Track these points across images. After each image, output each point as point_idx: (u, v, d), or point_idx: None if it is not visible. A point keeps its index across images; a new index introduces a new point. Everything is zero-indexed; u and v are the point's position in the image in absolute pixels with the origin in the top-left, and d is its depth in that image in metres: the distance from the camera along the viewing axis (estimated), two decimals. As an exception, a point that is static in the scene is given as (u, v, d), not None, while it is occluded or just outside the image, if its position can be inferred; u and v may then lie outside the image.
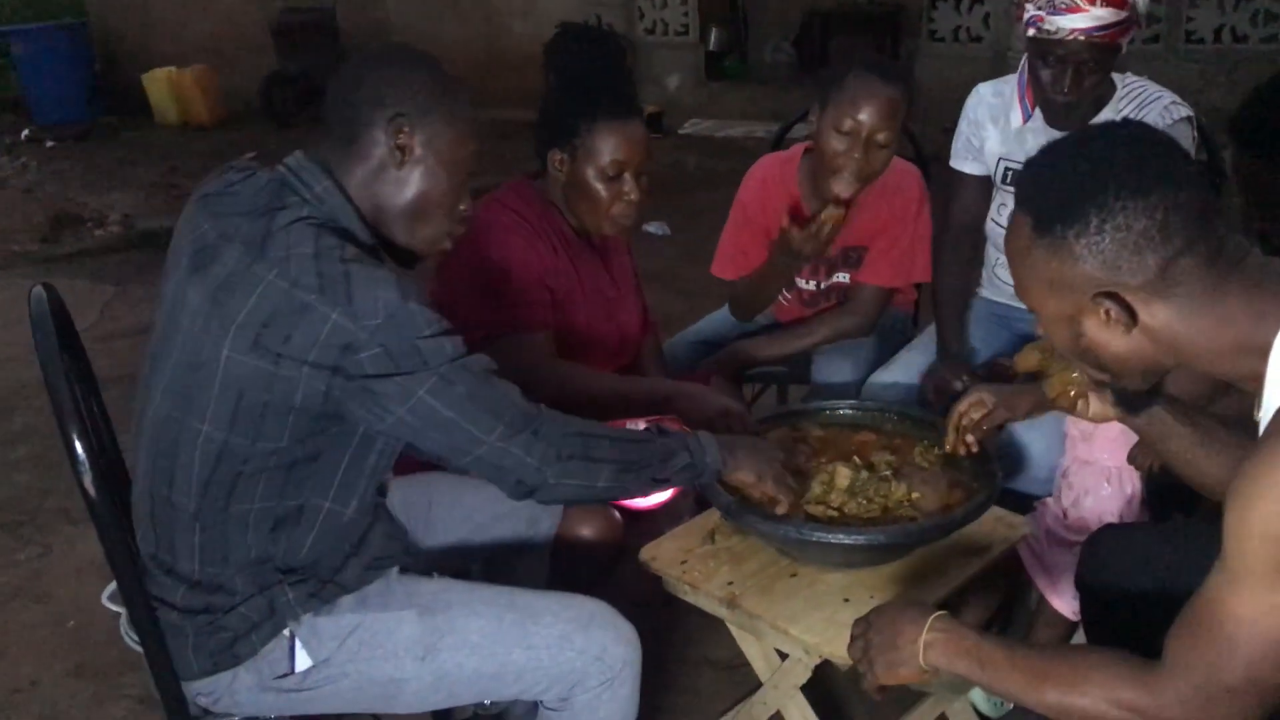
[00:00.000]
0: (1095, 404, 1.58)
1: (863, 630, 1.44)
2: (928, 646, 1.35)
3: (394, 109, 1.50)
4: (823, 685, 2.11)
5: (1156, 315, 1.17)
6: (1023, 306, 2.47)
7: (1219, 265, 1.15)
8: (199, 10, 9.47)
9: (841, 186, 2.34)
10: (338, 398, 1.43)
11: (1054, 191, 1.19)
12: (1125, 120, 1.37)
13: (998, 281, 2.56)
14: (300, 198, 1.48)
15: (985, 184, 2.49)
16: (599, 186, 2.11)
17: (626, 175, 2.11)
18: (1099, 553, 1.76)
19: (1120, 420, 1.56)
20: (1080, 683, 1.22)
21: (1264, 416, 1.12)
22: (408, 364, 1.41)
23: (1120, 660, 1.21)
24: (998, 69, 6.52)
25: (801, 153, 2.57)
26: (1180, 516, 1.96)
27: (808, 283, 2.62)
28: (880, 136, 2.31)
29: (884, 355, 2.55)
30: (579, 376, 2.13)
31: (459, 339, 1.47)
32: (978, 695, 2.18)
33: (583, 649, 1.57)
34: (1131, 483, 2.08)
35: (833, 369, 2.48)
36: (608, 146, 2.09)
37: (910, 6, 8.08)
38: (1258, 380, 1.14)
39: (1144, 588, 1.64)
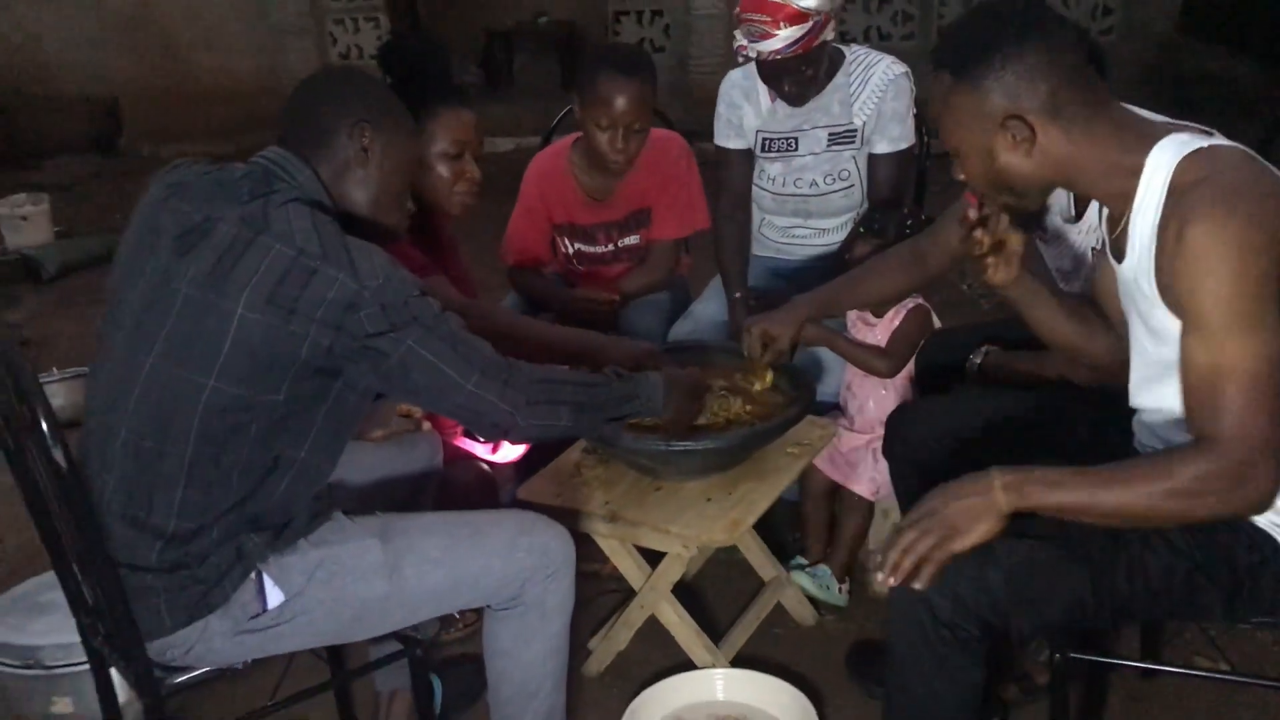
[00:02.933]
0: (1001, 270, 1.85)
1: (929, 510, 1.56)
2: (1005, 489, 1.53)
3: (356, 116, 1.72)
4: (685, 594, 2.40)
5: (1050, 135, 1.56)
6: (786, 256, 2.90)
7: (1093, 100, 1.56)
8: None
9: (617, 168, 2.72)
10: (338, 353, 1.60)
11: (965, 47, 1.59)
12: None
13: (764, 239, 2.97)
14: (286, 183, 1.67)
15: (748, 156, 2.88)
16: (442, 169, 2.32)
17: (467, 155, 2.33)
18: (899, 426, 2.17)
19: (1004, 288, 1.88)
20: (1175, 495, 1.46)
21: (1135, 217, 1.53)
22: (400, 319, 1.61)
23: (1174, 452, 1.51)
24: (680, 75, 7.14)
25: (571, 143, 2.89)
26: (954, 388, 2.39)
27: (599, 247, 2.93)
28: (635, 124, 2.67)
29: (677, 310, 2.89)
30: (516, 323, 2.34)
31: (436, 300, 1.69)
32: (807, 581, 2.55)
33: (529, 549, 1.79)
34: (903, 383, 2.52)
35: (641, 321, 2.80)
36: (449, 130, 2.30)
37: (585, 23, 8.57)
38: (1126, 198, 1.54)
39: (939, 444, 2.05)
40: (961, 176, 1.70)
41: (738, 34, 2.60)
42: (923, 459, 2.07)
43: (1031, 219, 2.07)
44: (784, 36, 2.52)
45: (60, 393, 3.81)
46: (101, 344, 1.73)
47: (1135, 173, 1.54)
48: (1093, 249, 1.93)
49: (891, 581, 1.57)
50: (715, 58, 6.87)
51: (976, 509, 1.54)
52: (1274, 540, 1.60)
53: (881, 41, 7.21)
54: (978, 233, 1.83)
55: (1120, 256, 1.62)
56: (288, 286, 1.57)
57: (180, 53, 7.90)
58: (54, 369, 3.93)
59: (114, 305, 1.72)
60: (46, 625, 2.24)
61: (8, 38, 8.27)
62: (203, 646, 1.69)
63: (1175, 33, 7.47)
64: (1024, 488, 1.53)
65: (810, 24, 2.52)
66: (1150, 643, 2.27)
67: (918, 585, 1.55)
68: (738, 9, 2.59)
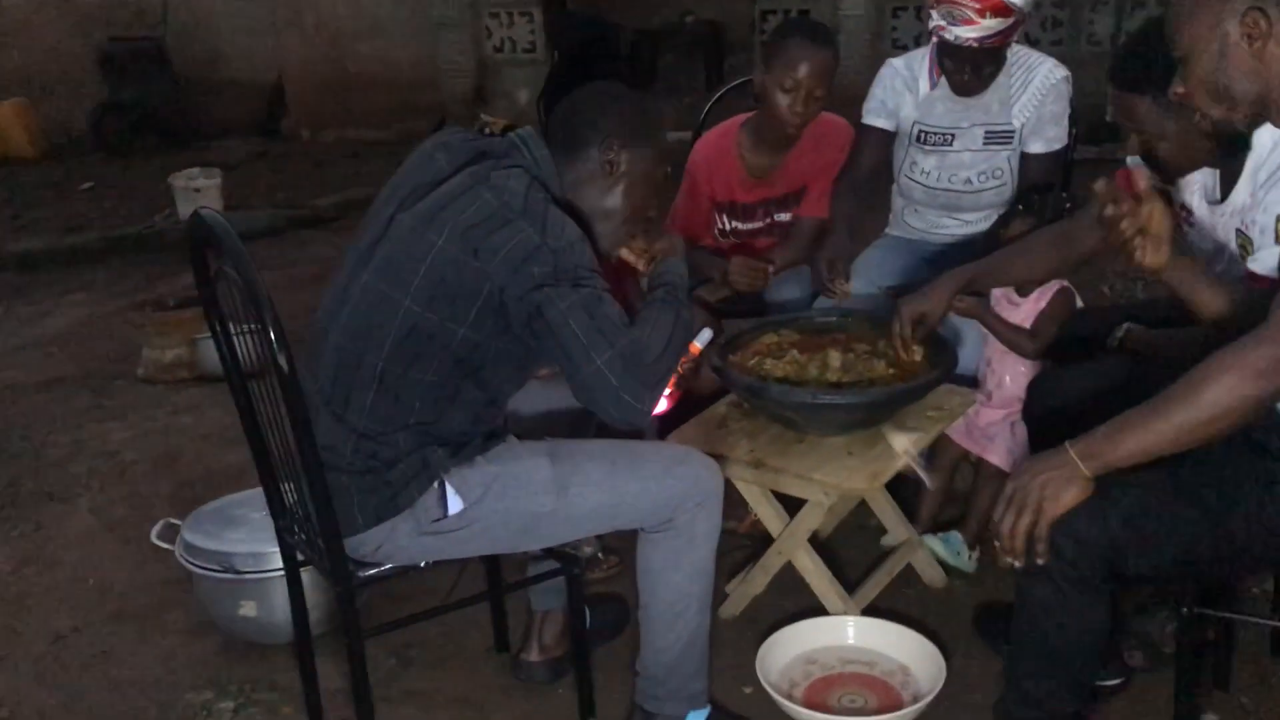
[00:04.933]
0: (1151, 254, 1.87)
1: (1014, 490, 1.68)
2: (1081, 456, 1.64)
3: (610, 132, 1.92)
4: (818, 551, 2.52)
5: None
6: (921, 240, 2.97)
7: None
8: (12, 44, 9.21)
9: (791, 131, 2.84)
10: (508, 296, 1.79)
11: None
12: None
13: (906, 225, 3.07)
14: (525, 156, 1.90)
15: (888, 137, 2.98)
16: None
17: None
18: (1041, 392, 2.26)
19: (1156, 272, 1.92)
20: (1209, 378, 1.53)
21: None
22: (566, 280, 1.79)
23: (1226, 349, 1.54)
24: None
25: (739, 124, 3.02)
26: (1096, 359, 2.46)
27: (755, 223, 3.07)
28: (817, 90, 2.79)
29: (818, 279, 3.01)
30: None
31: (605, 283, 1.86)
32: (939, 545, 2.64)
33: (681, 477, 1.95)
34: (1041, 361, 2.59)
35: (785, 291, 2.93)
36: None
37: (730, 23, 8.71)
38: None
39: (1080, 411, 2.13)
40: (1180, 90, 1.74)
41: (935, 14, 2.68)
42: (1063, 424, 2.15)
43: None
44: (985, 26, 2.61)
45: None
46: (337, 268, 1.98)
47: None
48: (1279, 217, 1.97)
49: (1018, 564, 1.69)
50: (860, 59, 6.93)
51: (1060, 479, 1.65)
52: None
53: (1030, 45, 7.16)
54: (1123, 223, 1.87)
55: None
56: (482, 229, 1.78)
57: (342, 41, 8.30)
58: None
59: (359, 234, 1.96)
60: (239, 535, 2.49)
61: (183, 23, 8.81)
62: (390, 545, 1.90)
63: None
64: (1094, 448, 1.63)
65: (1012, 20, 2.62)
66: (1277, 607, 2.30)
67: (1039, 561, 1.67)
68: None
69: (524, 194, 1.81)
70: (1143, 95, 2.02)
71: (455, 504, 1.87)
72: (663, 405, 2.64)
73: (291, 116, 8.70)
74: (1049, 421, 2.20)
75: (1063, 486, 1.65)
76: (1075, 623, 1.76)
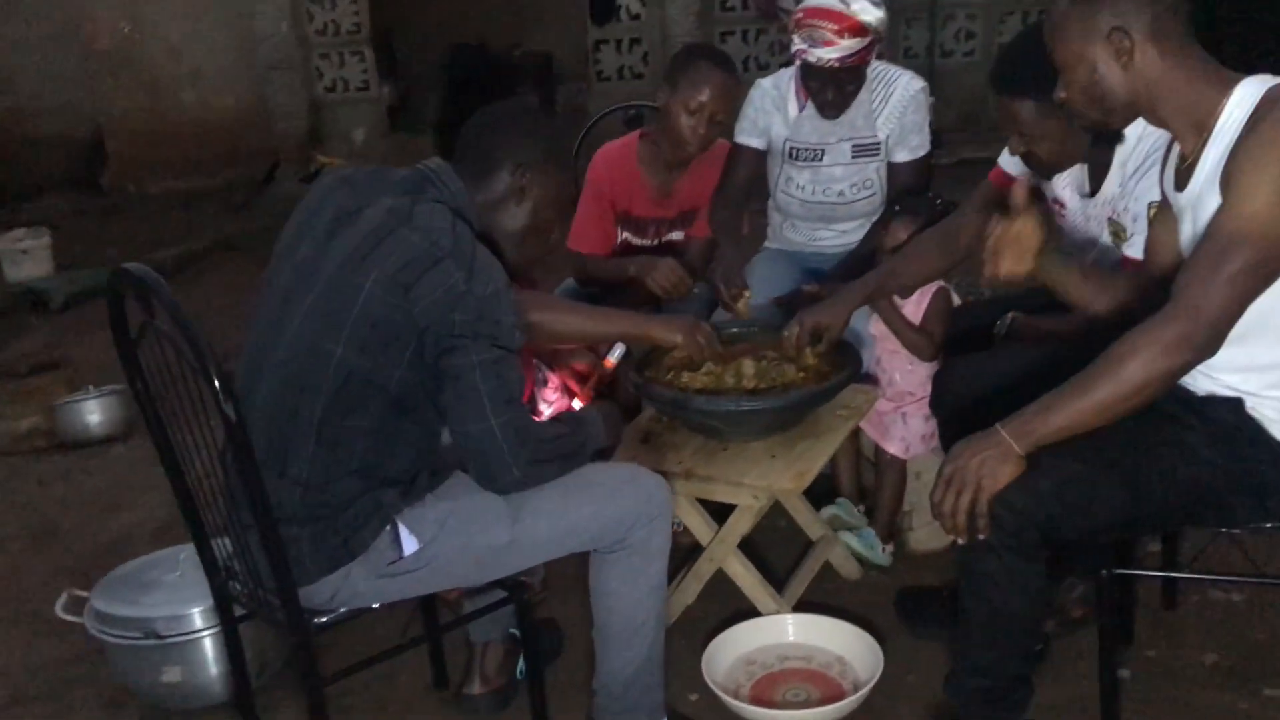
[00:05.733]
0: (1010, 264, 2.07)
1: (953, 471, 1.79)
2: (1012, 435, 1.76)
3: (522, 157, 1.92)
4: (755, 550, 2.60)
5: (1147, 54, 1.77)
6: (800, 250, 3.11)
7: (1187, 37, 1.78)
8: None
9: (690, 151, 2.92)
10: (429, 340, 1.78)
11: None
12: None
13: (784, 237, 3.20)
14: (439, 189, 1.88)
15: (760, 156, 3.10)
16: None
17: None
18: (945, 383, 2.40)
19: (1029, 277, 2.10)
20: (1126, 355, 1.68)
21: (1214, 141, 1.74)
22: (485, 335, 1.78)
23: (1139, 328, 1.69)
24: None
25: (638, 139, 3.09)
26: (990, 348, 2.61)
27: (647, 240, 3.14)
28: (719, 115, 2.88)
29: (713, 300, 3.10)
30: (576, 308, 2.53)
31: (522, 337, 1.87)
32: (855, 541, 2.75)
33: (632, 495, 1.98)
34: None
35: (682, 308, 2.97)
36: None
37: (562, 53, 8.81)
38: (1202, 128, 1.76)
39: (983, 397, 2.27)
40: (1062, 95, 1.90)
41: (796, 38, 2.81)
42: (968, 411, 2.29)
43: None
44: (845, 46, 2.75)
45: (96, 409, 3.97)
46: (252, 320, 1.92)
47: (1217, 104, 1.76)
48: (1150, 204, 2.15)
49: (962, 540, 1.81)
50: None
51: (995, 457, 1.78)
52: None
53: (943, 58, 7.59)
54: (992, 236, 2.06)
55: (1183, 186, 1.84)
56: (411, 270, 1.76)
57: (163, 90, 8.02)
58: (89, 386, 4.05)
59: (267, 285, 1.91)
60: (156, 599, 2.40)
61: (-1, 85, 8.36)
62: (346, 591, 1.87)
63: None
64: (1025, 427, 1.77)
65: (869, 39, 2.77)
66: (1170, 563, 2.49)
67: (981, 536, 1.81)
68: (799, 14, 2.81)
69: (450, 231, 1.80)
70: (1024, 99, 2.18)
71: (410, 544, 1.86)
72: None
73: (113, 169, 8.33)
74: (957, 410, 2.34)
75: (999, 464, 1.78)
76: (1019, 590, 1.88)
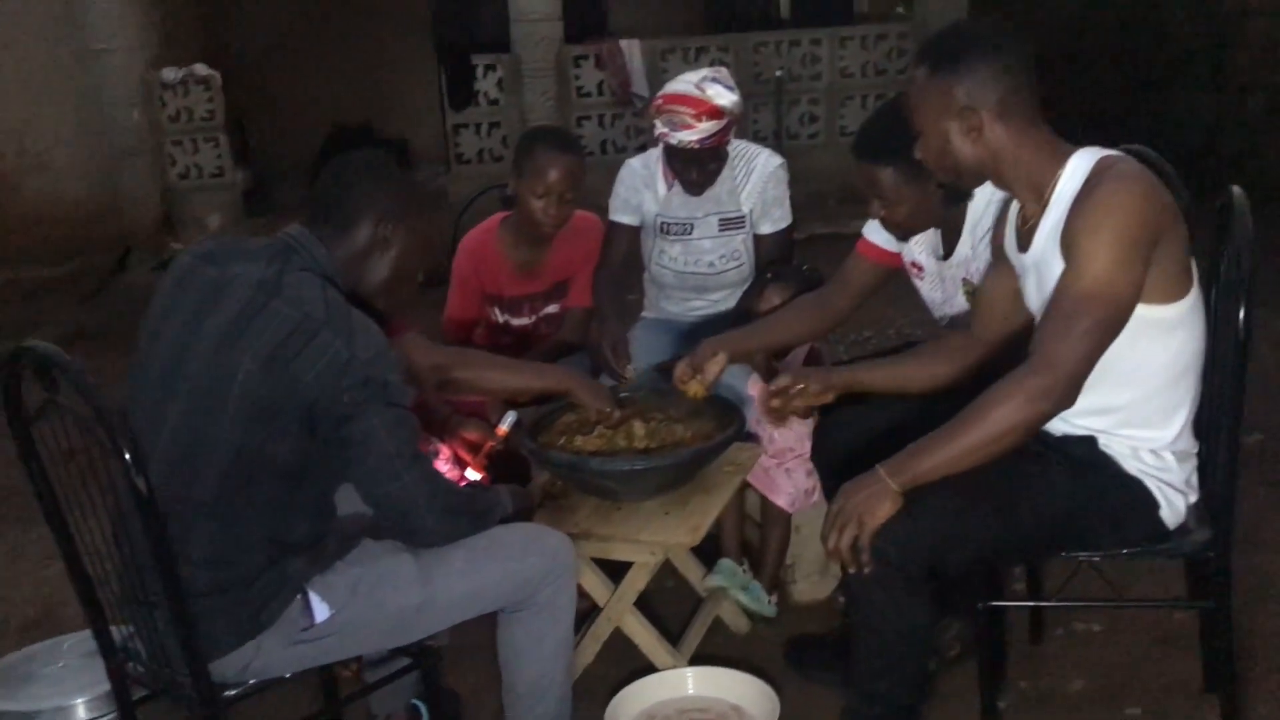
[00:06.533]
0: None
1: (838, 509, 1.94)
2: (890, 474, 1.92)
3: (383, 209, 1.95)
4: (648, 609, 2.67)
5: (994, 130, 1.95)
6: (676, 320, 3.25)
7: (1032, 113, 1.96)
8: None
9: (548, 231, 3.04)
10: (319, 411, 1.80)
11: (946, 48, 1.98)
12: (988, 19, 2.13)
13: (659, 306, 3.35)
14: (303, 257, 1.89)
15: (634, 231, 3.25)
16: None
17: None
18: (824, 436, 2.54)
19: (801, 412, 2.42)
20: (993, 404, 1.86)
21: (1052, 207, 1.93)
22: (378, 396, 1.81)
23: (1005, 380, 1.87)
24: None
25: (499, 222, 3.19)
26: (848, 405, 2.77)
27: (524, 319, 3.23)
28: (568, 194, 3.00)
29: (596, 368, 3.20)
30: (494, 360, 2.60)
31: (413, 391, 1.91)
32: (743, 595, 2.84)
33: (540, 553, 2.04)
34: (805, 413, 2.89)
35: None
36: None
37: (419, 139, 8.88)
38: (1042, 192, 1.95)
39: (861, 447, 2.41)
40: (920, 155, 2.08)
41: (658, 123, 2.99)
42: (848, 463, 2.42)
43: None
44: (703, 129, 2.92)
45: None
46: (128, 408, 1.89)
47: (1054, 171, 1.96)
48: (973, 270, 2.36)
49: (851, 570, 1.95)
50: None
51: (875, 495, 1.93)
52: (1143, 485, 2.03)
53: (790, 140, 7.90)
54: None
55: (1026, 247, 2.04)
56: (289, 345, 1.78)
57: (5, 178, 7.78)
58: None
59: (139, 371, 1.90)
60: (40, 690, 2.34)
61: None
62: (258, 662, 1.87)
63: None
64: (901, 467, 1.93)
65: (725, 121, 2.94)
66: (1036, 597, 2.68)
67: (866, 570, 1.94)
68: (659, 100, 2.99)
69: (322, 299, 1.81)
70: (883, 166, 2.37)
71: (322, 611, 1.87)
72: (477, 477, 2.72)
73: (-51, 260, 7.99)
74: (838, 462, 2.47)
75: (878, 501, 1.92)
76: (906, 619, 2.00)
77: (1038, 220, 2.00)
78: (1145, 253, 1.86)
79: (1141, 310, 1.90)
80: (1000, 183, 2.07)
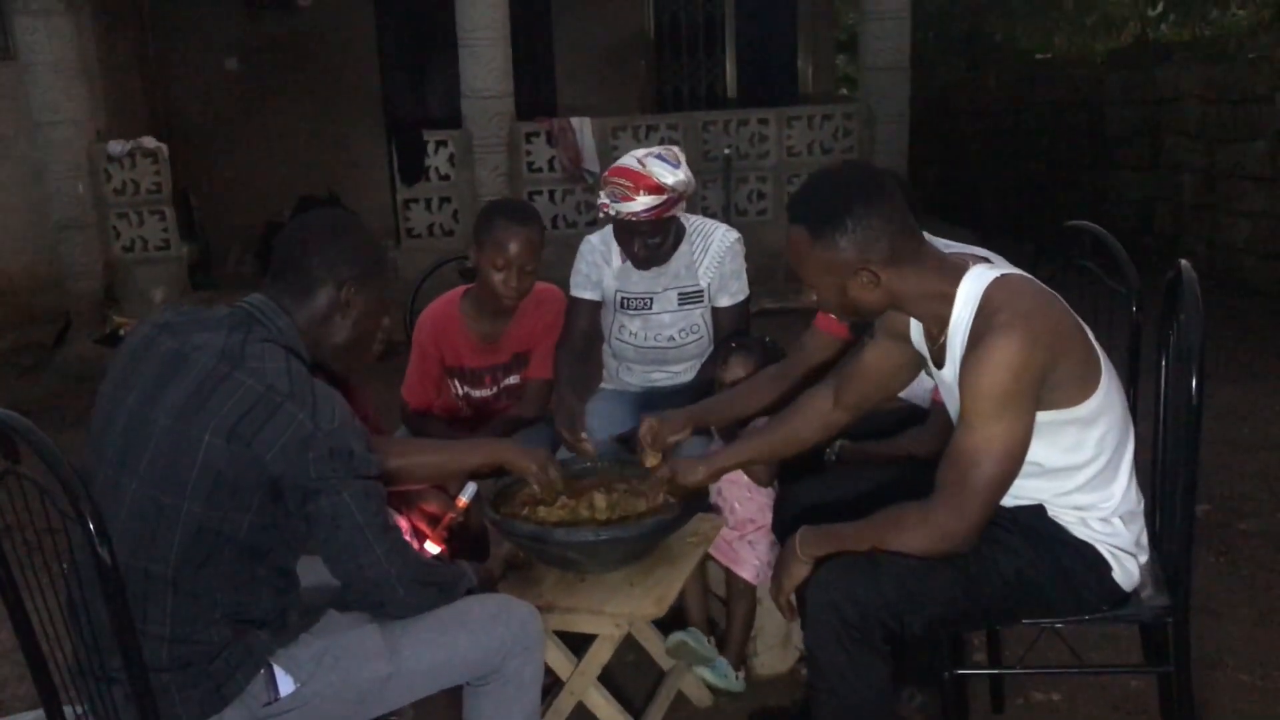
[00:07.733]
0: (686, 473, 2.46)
1: (774, 572, 2.14)
2: (801, 542, 2.09)
3: (344, 275, 1.95)
4: (610, 683, 2.64)
5: (889, 277, 1.98)
6: (632, 390, 3.28)
7: (917, 245, 2.01)
8: None
9: (508, 304, 3.06)
10: (285, 485, 1.79)
11: (819, 211, 1.99)
12: (850, 163, 2.17)
13: (619, 379, 3.37)
14: (265, 327, 1.88)
15: (595, 306, 3.28)
16: None
17: None
18: (784, 507, 2.55)
19: (705, 480, 2.49)
20: (905, 526, 1.99)
21: (952, 335, 1.97)
22: (344, 468, 1.80)
23: (919, 506, 1.99)
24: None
25: (460, 295, 3.21)
26: (808, 476, 2.79)
27: (485, 390, 3.22)
28: (528, 266, 3.02)
29: (556, 439, 3.19)
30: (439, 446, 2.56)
31: (378, 460, 1.90)
32: (709, 673, 2.82)
33: (507, 623, 2.01)
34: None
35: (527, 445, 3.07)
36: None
37: (370, 213, 8.88)
38: (943, 319, 1.99)
39: (820, 518, 2.43)
40: (817, 305, 2.15)
41: (602, 194, 3.05)
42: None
43: None
44: (642, 202, 2.97)
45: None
46: (86, 478, 1.82)
47: (950, 299, 2.00)
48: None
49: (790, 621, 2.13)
50: (464, 238, 7.34)
51: (787, 558, 2.15)
52: (1094, 549, 2.07)
53: (738, 216, 8.02)
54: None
55: (940, 364, 2.09)
56: (251, 419, 1.76)
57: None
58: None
59: (96, 443, 1.87)
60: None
61: None
62: None
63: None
64: (813, 538, 2.12)
65: (665, 197, 2.99)
66: (996, 665, 2.70)
67: (789, 620, 2.22)
68: (607, 174, 3.05)
69: (286, 371, 1.80)
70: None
71: (286, 685, 1.83)
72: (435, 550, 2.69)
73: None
74: (795, 530, 2.49)
75: (788, 566, 2.14)
76: (864, 679, 2.01)
77: (943, 344, 2.05)
78: (1034, 394, 1.92)
79: (1056, 415, 1.96)
80: (905, 312, 2.12)
